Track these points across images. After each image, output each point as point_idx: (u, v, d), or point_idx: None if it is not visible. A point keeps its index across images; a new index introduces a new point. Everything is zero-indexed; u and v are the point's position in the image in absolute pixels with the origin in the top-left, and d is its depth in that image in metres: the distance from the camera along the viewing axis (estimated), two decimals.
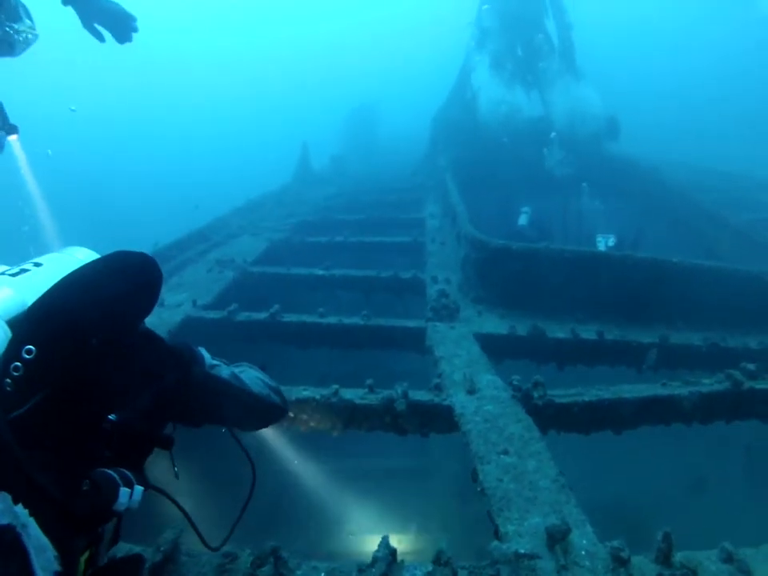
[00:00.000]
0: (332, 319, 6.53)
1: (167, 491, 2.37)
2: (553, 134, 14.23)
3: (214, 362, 2.69)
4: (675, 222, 12.11)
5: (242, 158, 43.55)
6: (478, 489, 3.37)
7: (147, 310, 2.22)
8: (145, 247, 9.49)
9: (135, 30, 6.41)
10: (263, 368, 3.09)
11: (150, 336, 2.34)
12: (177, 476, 2.50)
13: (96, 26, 6.26)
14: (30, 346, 1.86)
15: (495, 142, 14.44)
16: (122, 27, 6.32)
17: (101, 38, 6.31)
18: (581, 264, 6.84)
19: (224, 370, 2.68)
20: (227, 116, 54.46)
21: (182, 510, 2.47)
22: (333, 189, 15.89)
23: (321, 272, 8.39)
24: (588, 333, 6.23)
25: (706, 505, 7.38)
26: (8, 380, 1.82)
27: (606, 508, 7.37)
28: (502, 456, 3.56)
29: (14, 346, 1.87)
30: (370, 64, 53.83)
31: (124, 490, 1.91)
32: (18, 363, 1.83)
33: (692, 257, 9.97)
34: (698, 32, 41.43)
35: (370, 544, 2.98)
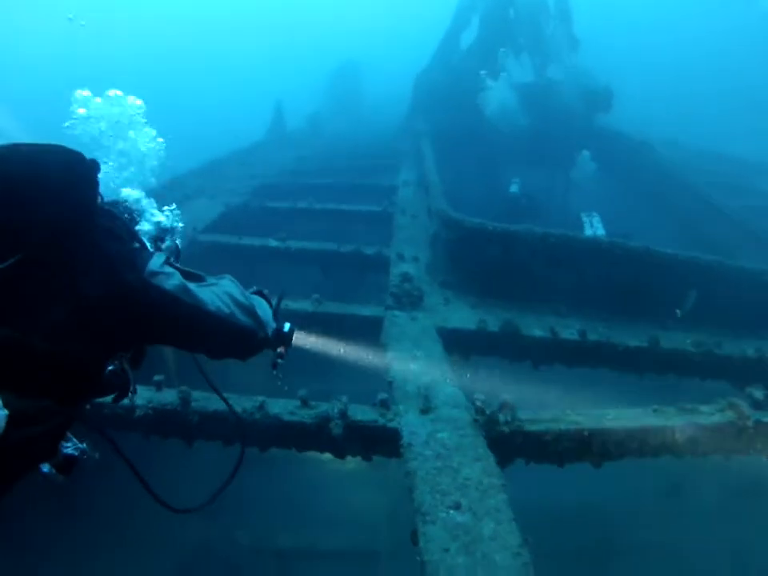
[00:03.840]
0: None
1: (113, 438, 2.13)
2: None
3: (164, 269, 2.15)
4: (664, 203, 11.38)
5: (211, 115, 41.20)
6: (417, 557, 2.59)
7: (67, 205, 1.96)
8: None
9: None
10: (281, 297, 2.85)
11: (91, 236, 2.03)
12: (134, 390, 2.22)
13: None
14: None
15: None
16: None
17: None
18: (565, 251, 6.03)
19: (171, 280, 2.13)
20: (197, 67, 51.28)
21: (131, 467, 2.19)
22: (305, 151, 14.87)
23: (275, 243, 7.50)
24: (569, 332, 5.45)
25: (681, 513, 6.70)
26: None
27: (574, 515, 6.73)
28: (452, 512, 2.77)
29: None
30: (356, 20, 51.50)
31: None
32: None
33: (682, 243, 9.37)
34: (697, 26, 40.41)
35: None
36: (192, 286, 2.20)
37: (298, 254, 7.43)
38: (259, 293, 2.66)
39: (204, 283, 2.30)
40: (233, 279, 2.46)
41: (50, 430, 1.90)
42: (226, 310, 2.24)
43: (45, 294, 1.86)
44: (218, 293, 2.27)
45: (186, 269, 2.30)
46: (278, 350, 2.70)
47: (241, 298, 2.33)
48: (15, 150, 1.99)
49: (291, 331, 2.71)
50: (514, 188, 11.74)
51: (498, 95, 12.95)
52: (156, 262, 2.15)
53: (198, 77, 48.96)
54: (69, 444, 2.30)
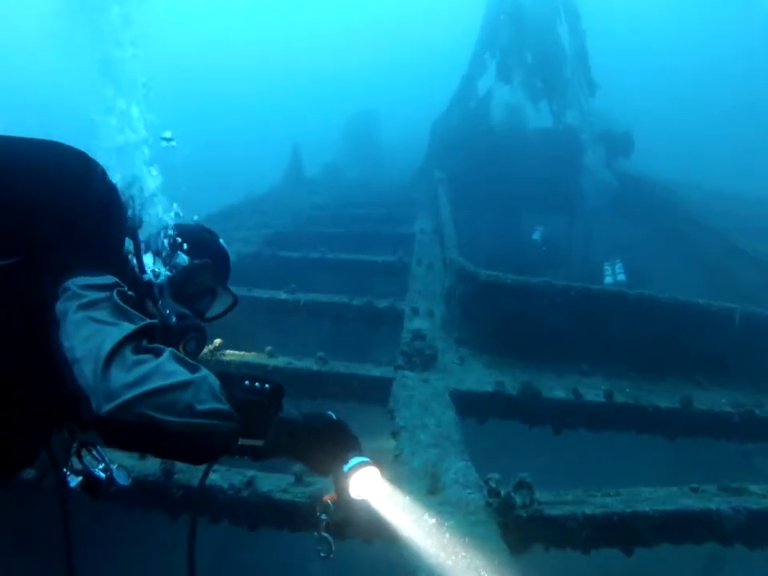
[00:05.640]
0: (281, 361, 5.36)
1: None
2: None
3: (81, 290, 1.75)
4: (689, 249, 10.98)
5: (228, 158, 41.19)
6: None
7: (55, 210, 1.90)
8: None
9: None
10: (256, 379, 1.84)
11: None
12: None
13: None
14: None
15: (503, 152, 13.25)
16: None
17: None
18: (588, 304, 5.65)
19: (71, 301, 1.73)
20: (214, 110, 51.23)
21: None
22: (322, 198, 14.73)
23: (285, 296, 7.21)
24: (593, 393, 5.04)
25: None
26: None
27: None
28: None
29: None
30: (375, 67, 51.86)
31: None
32: None
33: (709, 289, 8.95)
34: (698, 33, 40.55)
35: None
36: (87, 315, 1.69)
37: (308, 306, 7.13)
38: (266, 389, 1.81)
39: (115, 322, 1.72)
40: (136, 322, 1.77)
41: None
42: (77, 354, 1.63)
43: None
44: (105, 335, 1.65)
45: (126, 305, 1.79)
46: (325, 498, 1.93)
47: (104, 345, 1.61)
48: (10, 144, 1.98)
49: (352, 470, 1.82)
50: (536, 235, 11.54)
51: (505, 101, 12.93)
52: (79, 280, 1.78)
53: (216, 119, 49.27)
54: (101, 465, 2.17)
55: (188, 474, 3.54)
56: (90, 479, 2.12)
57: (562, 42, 14.81)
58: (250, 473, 3.47)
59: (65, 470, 2.13)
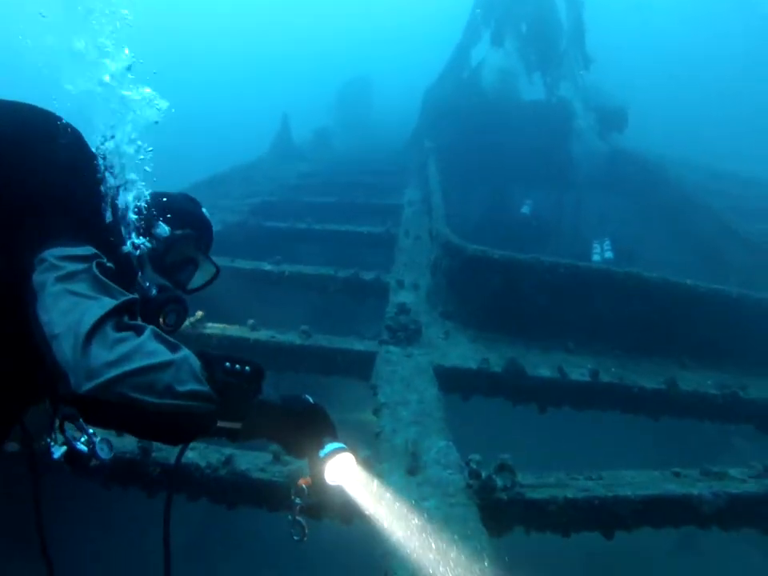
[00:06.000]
0: (263, 335, 5.27)
1: None
2: None
3: (59, 261, 1.70)
4: (681, 226, 10.91)
5: (215, 126, 40.43)
6: None
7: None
8: None
9: None
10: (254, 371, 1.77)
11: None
12: None
13: None
14: None
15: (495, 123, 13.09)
16: None
17: None
18: (576, 282, 5.58)
19: (49, 273, 1.68)
20: (202, 76, 49.89)
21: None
22: (311, 166, 14.51)
23: (269, 267, 7.09)
24: (579, 372, 4.99)
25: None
26: None
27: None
28: None
29: None
30: (368, 33, 50.81)
31: None
32: None
33: (699, 268, 8.90)
34: (696, 11, 40.31)
35: None
36: (66, 288, 1.64)
37: (293, 278, 7.01)
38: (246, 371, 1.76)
39: (95, 296, 1.67)
40: (115, 295, 1.73)
41: None
42: (56, 329, 1.57)
43: None
44: (84, 309, 1.60)
45: (106, 278, 1.73)
46: (300, 482, 1.92)
47: (84, 321, 1.55)
48: None
49: (327, 456, 1.81)
50: (525, 209, 11.43)
51: (498, 66, 12.84)
52: (56, 251, 1.73)
53: (205, 88, 48.27)
54: (83, 438, 2.11)
55: (165, 451, 3.47)
56: (72, 452, 2.09)
57: (559, 14, 14.57)
58: (228, 451, 3.41)
59: (49, 440, 2.11)
